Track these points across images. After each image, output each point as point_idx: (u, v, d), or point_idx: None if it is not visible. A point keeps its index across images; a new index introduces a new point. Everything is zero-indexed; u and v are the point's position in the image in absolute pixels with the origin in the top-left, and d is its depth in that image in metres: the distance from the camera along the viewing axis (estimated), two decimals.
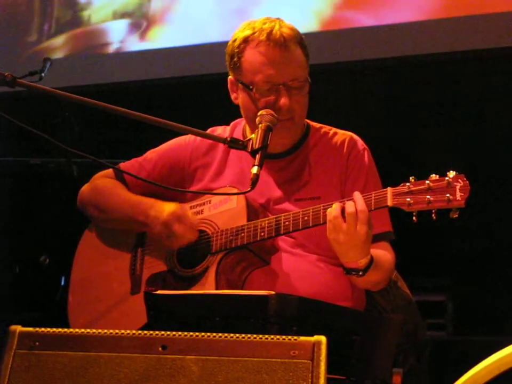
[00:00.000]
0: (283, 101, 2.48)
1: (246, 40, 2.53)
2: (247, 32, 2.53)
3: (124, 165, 2.76)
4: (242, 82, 2.54)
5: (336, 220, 2.26)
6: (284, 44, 2.48)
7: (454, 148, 4.56)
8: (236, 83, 2.58)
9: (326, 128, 2.67)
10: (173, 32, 5.19)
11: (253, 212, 2.50)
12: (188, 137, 2.72)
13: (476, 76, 4.53)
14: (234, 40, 2.56)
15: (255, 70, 2.51)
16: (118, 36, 5.35)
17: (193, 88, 5.01)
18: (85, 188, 2.80)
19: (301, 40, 2.54)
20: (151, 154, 2.76)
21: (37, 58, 4.35)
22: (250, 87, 2.52)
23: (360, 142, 2.63)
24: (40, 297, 4.31)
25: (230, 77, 2.61)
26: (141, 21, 5.27)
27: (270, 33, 2.49)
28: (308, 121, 2.68)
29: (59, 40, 5.42)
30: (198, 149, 2.69)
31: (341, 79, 4.73)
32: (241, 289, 2.44)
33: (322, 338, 1.70)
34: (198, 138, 2.66)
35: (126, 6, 5.31)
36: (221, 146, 2.63)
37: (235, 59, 2.55)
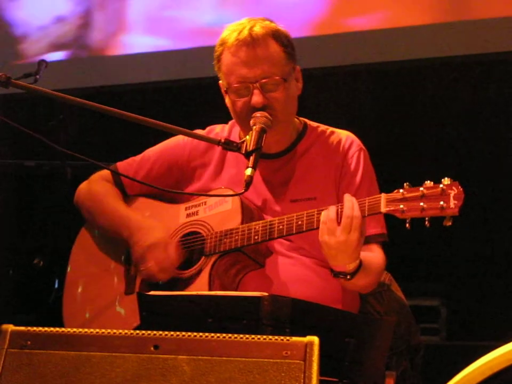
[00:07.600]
0: (254, 99, 2.47)
1: (222, 44, 2.54)
2: (223, 35, 2.54)
3: (121, 164, 2.75)
4: (224, 86, 2.55)
5: (331, 223, 2.25)
6: (251, 42, 2.47)
7: (449, 152, 4.56)
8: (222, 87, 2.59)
9: (323, 127, 2.65)
10: None
11: (248, 213, 2.49)
12: (186, 137, 2.70)
13: (472, 81, 4.53)
14: (216, 44, 2.56)
15: (229, 72, 2.51)
16: None
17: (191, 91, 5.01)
18: (82, 187, 2.79)
19: (276, 36, 2.50)
20: (149, 153, 2.75)
21: None
22: (225, 89, 2.53)
23: (356, 142, 2.61)
24: (34, 299, 4.30)
25: (220, 81, 2.61)
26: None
27: (239, 33, 2.49)
28: (306, 120, 2.67)
29: None
30: (196, 148, 2.68)
31: (336, 83, 4.73)
32: (235, 291, 2.43)
33: (315, 339, 1.70)
34: None
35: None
36: (219, 146, 2.62)
37: (217, 63, 2.56)
